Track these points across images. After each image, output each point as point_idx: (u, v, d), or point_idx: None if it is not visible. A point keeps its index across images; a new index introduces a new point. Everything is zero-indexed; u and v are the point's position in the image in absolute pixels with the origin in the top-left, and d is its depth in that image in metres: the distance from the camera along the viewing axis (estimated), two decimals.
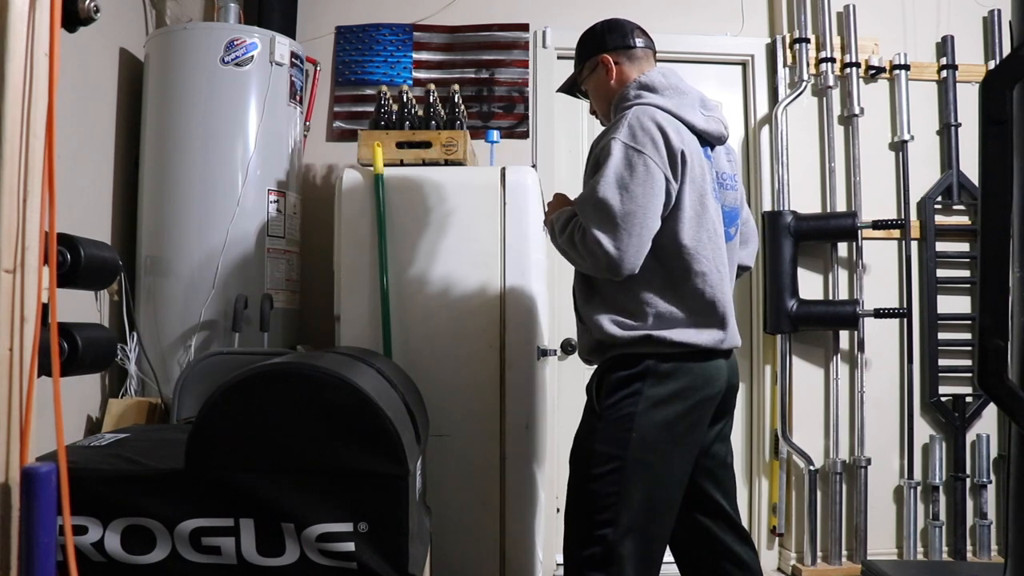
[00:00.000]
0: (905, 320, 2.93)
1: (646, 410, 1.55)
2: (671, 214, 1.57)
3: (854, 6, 2.97)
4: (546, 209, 1.82)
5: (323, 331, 2.56)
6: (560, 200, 1.79)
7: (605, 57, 1.74)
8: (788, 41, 2.98)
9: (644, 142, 1.53)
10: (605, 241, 1.49)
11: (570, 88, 1.90)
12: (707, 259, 1.59)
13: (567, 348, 2.80)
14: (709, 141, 1.69)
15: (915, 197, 2.98)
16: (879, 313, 2.81)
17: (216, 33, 2.46)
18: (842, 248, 2.96)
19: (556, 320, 2.82)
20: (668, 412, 1.57)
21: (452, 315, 2.25)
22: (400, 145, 2.37)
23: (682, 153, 1.57)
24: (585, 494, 1.57)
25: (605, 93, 1.77)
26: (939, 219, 2.98)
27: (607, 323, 1.61)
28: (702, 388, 1.60)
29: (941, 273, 2.96)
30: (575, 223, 1.60)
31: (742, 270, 1.89)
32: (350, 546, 1.33)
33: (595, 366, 1.73)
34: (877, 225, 2.85)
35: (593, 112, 1.87)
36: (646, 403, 1.56)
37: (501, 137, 2.62)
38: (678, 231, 1.57)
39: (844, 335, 2.94)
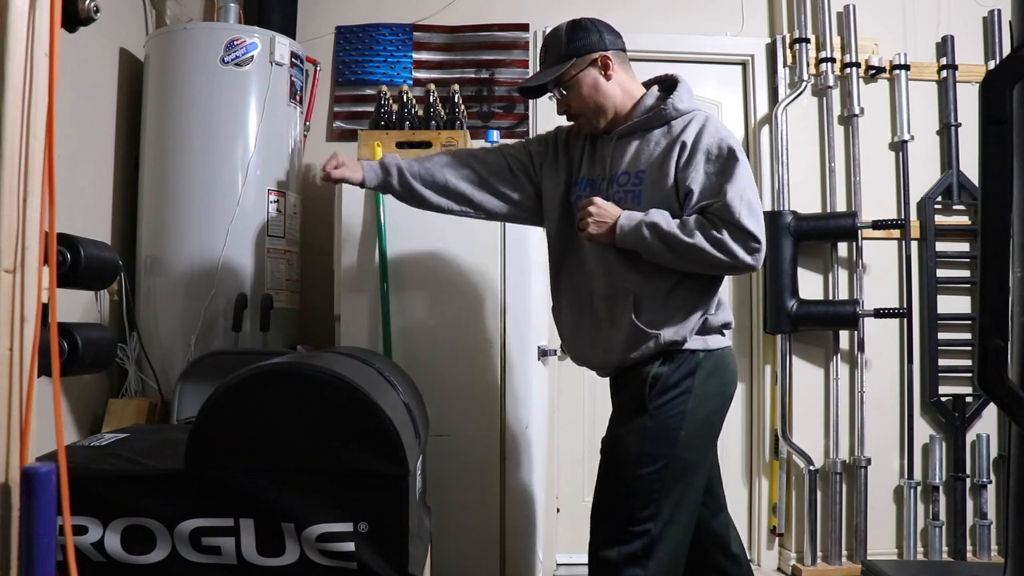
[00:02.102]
0: (905, 320, 2.93)
1: (695, 408, 1.60)
2: None
3: (854, 6, 2.96)
4: (593, 214, 1.61)
5: (323, 331, 2.56)
6: (607, 205, 1.63)
7: (606, 56, 1.67)
8: (788, 41, 2.98)
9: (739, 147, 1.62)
10: (763, 238, 1.55)
11: (538, 87, 1.74)
12: None
13: None
14: None
15: (915, 197, 2.98)
16: (879, 313, 2.81)
17: (216, 33, 2.46)
18: (842, 248, 2.95)
19: None
20: (710, 408, 1.64)
21: (452, 315, 2.26)
22: (400, 145, 2.37)
23: None
24: (626, 493, 1.58)
25: (598, 92, 1.68)
26: (939, 219, 2.97)
27: (676, 324, 1.61)
28: (734, 383, 1.71)
29: (941, 273, 2.95)
30: (699, 222, 1.55)
31: None
32: (350, 546, 1.33)
33: (613, 371, 1.72)
34: (877, 225, 2.85)
35: (564, 112, 1.74)
36: (695, 401, 1.60)
37: (501, 137, 2.61)
38: None
39: (844, 335, 2.94)
